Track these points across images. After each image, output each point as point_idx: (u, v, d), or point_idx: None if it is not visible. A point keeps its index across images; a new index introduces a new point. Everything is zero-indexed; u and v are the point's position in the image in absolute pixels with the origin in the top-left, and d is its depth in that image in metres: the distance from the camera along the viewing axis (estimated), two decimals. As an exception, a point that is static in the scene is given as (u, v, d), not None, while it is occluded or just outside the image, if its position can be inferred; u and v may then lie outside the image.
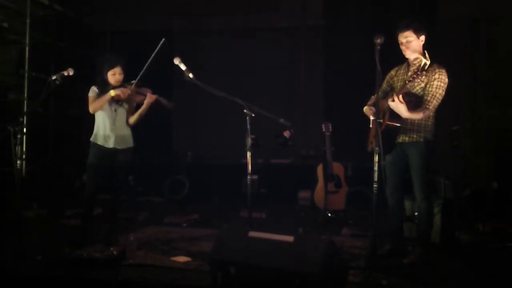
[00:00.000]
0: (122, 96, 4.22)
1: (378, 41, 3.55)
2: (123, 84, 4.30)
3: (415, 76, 3.61)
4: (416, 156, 3.91)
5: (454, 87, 4.03)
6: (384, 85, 4.20)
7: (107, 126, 4.31)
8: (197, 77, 3.77)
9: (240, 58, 8.09)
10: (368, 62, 4.09)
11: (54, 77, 4.07)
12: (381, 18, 7.15)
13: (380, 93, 4.19)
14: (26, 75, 6.55)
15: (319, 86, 7.98)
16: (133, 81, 4.31)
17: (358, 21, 7.60)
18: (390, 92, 4.00)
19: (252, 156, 3.72)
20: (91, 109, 4.29)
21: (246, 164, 3.71)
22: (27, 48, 6.55)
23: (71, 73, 4.17)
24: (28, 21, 6.53)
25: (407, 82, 3.67)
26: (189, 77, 3.75)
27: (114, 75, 4.27)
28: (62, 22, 7.60)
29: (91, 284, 3.41)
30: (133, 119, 4.40)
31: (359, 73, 4.38)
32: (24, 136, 6.29)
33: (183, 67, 3.75)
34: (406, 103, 3.74)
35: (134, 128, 4.49)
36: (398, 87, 3.99)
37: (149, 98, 4.31)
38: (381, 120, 3.83)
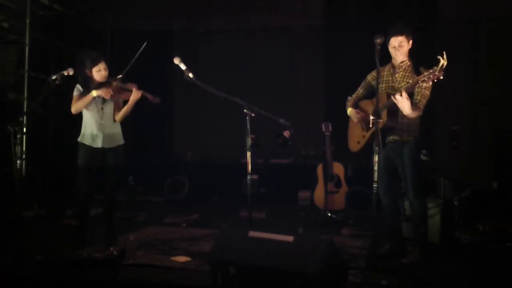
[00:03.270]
0: (104, 96, 4.08)
1: (378, 41, 3.57)
2: (108, 79, 4.17)
3: (431, 76, 3.55)
4: (408, 154, 3.99)
5: (454, 87, 4.04)
6: (366, 84, 4.29)
7: (94, 125, 4.18)
8: (197, 76, 3.76)
9: (240, 58, 8.10)
10: (368, 62, 4.10)
11: (54, 77, 4.04)
12: (381, 18, 7.15)
13: (359, 94, 4.32)
14: (26, 75, 6.54)
15: (319, 86, 7.99)
16: (119, 76, 4.16)
17: (358, 21, 7.61)
18: (382, 93, 4.00)
19: (252, 156, 3.72)
20: (73, 109, 4.14)
21: (246, 164, 3.71)
22: (27, 48, 6.53)
23: (71, 73, 4.13)
24: (28, 21, 6.52)
25: (420, 81, 3.65)
26: (189, 77, 3.74)
27: (99, 71, 4.14)
28: (62, 22, 7.59)
29: (91, 284, 3.41)
30: (118, 116, 4.25)
31: (359, 73, 4.39)
32: (24, 136, 6.28)
33: (183, 66, 3.74)
34: None
35: (135, 128, 4.45)
36: (384, 88, 4.05)
37: (135, 94, 4.12)
38: (381, 120, 3.83)
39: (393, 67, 4.08)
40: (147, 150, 8.07)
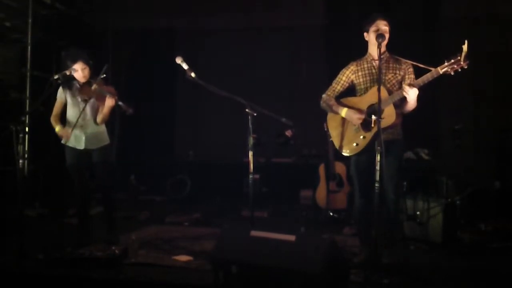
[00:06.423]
0: (62, 137, 4.15)
1: (380, 40, 3.56)
2: (89, 80, 4.13)
3: (455, 66, 3.34)
4: (396, 153, 3.77)
5: (455, 86, 4.02)
6: (344, 80, 4.06)
7: (76, 126, 4.13)
8: (198, 76, 3.76)
9: (242, 57, 8.09)
10: (370, 61, 4.08)
11: (56, 76, 4.05)
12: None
13: (338, 89, 4.15)
14: (28, 74, 6.54)
15: (321, 85, 7.93)
16: (100, 77, 4.11)
17: (360, 20, 7.58)
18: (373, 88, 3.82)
19: (254, 155, 3.72)
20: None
21: (248, 163, 3.71)
22: (29, 47, 6.53)
23: (73, 72, 4.15)
24: (30, 20, 6.52)
25: (441, 72, 3.38)
26: (191, 76, 3.74)
27: (77, 72, 4.09)
28: (64, 21, 7.59)
29: (93, 283, 3.42)
30: (98, 119, 4.19)
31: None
32: (26, 135, 6.27)
33: (185, 66, 3.74)
34: None
35: (136, 127, 4.45)
36: (368, 81, 3.85)
37: (109, 101, 4.04)
38: (383, 118, 3.77)
39: (373, 59, 3.88)
40: (149, 149, 8.08)
